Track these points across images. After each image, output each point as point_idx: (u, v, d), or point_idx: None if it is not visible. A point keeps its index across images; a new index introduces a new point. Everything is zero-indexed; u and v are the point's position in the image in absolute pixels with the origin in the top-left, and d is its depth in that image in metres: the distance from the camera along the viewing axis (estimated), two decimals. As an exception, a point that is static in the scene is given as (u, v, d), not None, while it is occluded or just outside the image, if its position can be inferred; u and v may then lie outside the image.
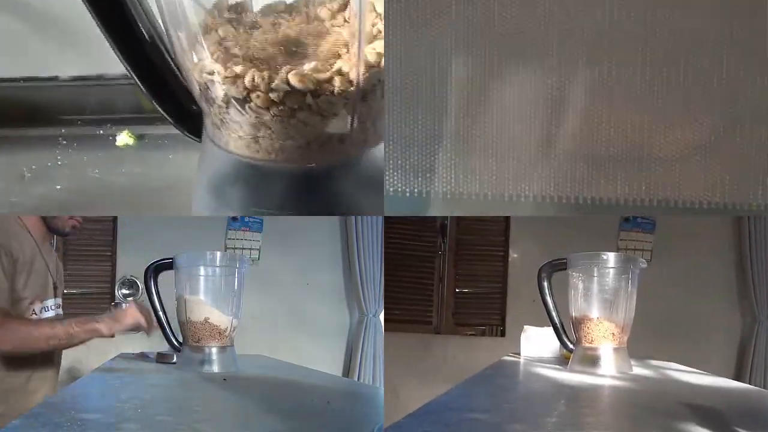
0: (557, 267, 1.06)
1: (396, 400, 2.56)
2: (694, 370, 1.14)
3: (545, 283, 1.07)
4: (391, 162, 0.80)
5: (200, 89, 0.81)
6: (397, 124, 0.79)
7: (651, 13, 0.74)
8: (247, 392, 0.88)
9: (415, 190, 0.80)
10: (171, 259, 1.05)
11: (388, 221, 2.56)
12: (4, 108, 1.34)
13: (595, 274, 1.01)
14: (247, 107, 0.77)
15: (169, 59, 0.86)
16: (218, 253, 1.06)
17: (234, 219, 2.57)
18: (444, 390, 0.76)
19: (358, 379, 2.58)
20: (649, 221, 2.63)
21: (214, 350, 1.01)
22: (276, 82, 0.74)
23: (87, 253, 2.54)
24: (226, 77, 0.76)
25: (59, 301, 1.23)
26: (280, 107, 0.76)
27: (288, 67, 0.75)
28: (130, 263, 2.44)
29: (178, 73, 0.86)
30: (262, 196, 0.85)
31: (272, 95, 0.75)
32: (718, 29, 0.74)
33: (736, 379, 1.33)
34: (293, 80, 0.74)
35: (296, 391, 0.95)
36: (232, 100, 0.78)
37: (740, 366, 2.65)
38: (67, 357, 2.51)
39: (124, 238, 2.51)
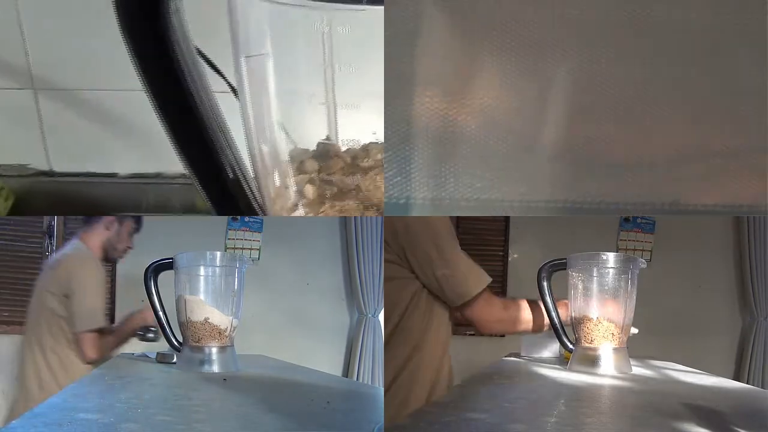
0: (557, 267, 1.06)
1: (396, 400, 2.56)
2: (694, 370, 1.14)
3: (545, 283, 1.07)
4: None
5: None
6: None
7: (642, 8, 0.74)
8: (247, 392, 0.88)
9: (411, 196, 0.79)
10: (171, 259, 1.05)
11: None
12: (65, 202, 1.40)
13: (595, 274, 1.01)
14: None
15: (248, 191, 0.82)
16: (218, 253, 1.06)
17: (234, 219, 2.57)
18: (444, 390, 0.76)
19: (358, 378, 2.58)
20: (649, 221, 2.63)
21: (214, 350, 1.01)
22: None
23: (87, 253, 2.55)
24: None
25: None
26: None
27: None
28: (130, 263, 2.44)
29: (253, 200, 0.83)
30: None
31: None
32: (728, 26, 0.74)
33: (734, 379, 1.33)
34: None
35: (296, 391, 0.95)
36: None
37: (739, 365, 2.65)
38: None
39: (123, 238, 2.51)
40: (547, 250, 2.25)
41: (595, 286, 1.01)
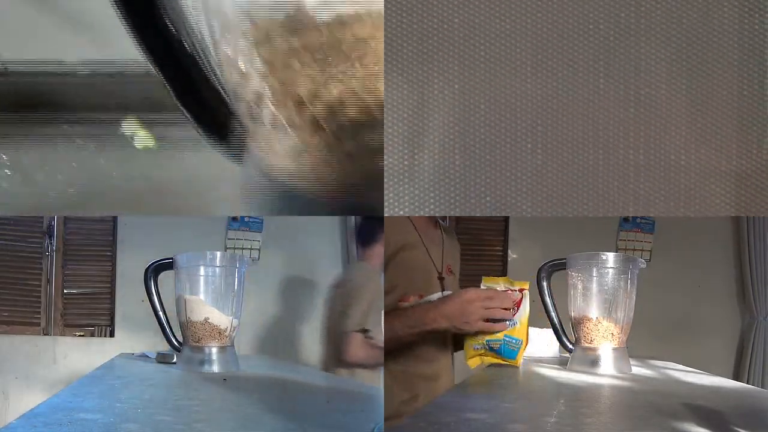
0: (556, 267, 1.06)
1: (396, 400, 2.56)
2: (694, 370, 1.14)
3: (545, 283, 1.07)
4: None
5: (247, 108, 0.69)
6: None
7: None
8: (247, 392, 0.89)
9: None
10: (171, 259, 1.05)
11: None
12: (15, 98, 1.20)
13: (595, 274, 1.01)
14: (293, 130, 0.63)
15: (210, 72, 0.71)
16: (218, 253, 1.06)
17: (234, 219, 2.56)
18: (444, 390, 0.76)
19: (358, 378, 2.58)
20: (649, 221, 2.63)
21: (214, 350, 1.01)
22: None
23: (87, 253, 2.55)
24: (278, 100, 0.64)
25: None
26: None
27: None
28: (130, 263, 2.45)
29: (218, 85, 0.71)
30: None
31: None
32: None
33: (734, 379, 1.33)
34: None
35: (296, 391, 0.95)
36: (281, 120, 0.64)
37: (739, 365, 2.65)
38: (69, 357, 2.51)
39: (124, 238, 2.51)
40: (546, 250, 2.25)
41: (594, 286, 1.01)
